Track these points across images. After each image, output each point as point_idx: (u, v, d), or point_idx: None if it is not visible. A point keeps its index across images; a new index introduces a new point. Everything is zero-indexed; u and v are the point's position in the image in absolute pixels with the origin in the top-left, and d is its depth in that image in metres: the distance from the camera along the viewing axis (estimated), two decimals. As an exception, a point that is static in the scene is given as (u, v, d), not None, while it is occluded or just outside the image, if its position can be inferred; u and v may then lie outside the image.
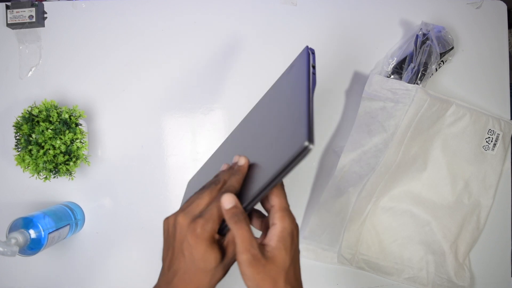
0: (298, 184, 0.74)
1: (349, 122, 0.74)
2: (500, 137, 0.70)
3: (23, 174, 0.67)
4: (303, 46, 0.38)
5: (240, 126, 0.51)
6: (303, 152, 0.33)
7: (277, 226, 0.38)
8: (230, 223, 0.37)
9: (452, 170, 0.71)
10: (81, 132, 0.66)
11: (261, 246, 0.38)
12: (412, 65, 0.69)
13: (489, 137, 0.70)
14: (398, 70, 0.71)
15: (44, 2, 0.76)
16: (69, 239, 0.73)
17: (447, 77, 0.74)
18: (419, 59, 0.68)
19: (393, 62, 0.72)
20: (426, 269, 0.70)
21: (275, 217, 0.39)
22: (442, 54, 0.70)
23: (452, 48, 0.71)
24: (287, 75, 0.46)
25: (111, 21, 0.76)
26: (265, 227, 0.41)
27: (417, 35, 0.69)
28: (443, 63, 0.72)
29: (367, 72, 0.74)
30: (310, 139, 0.33)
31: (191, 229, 0.37)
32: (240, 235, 0.36)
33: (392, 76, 0.71)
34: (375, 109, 0.69)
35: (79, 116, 0.67)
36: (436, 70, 0.72)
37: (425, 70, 0.68)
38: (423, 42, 0.68)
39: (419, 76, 0.68)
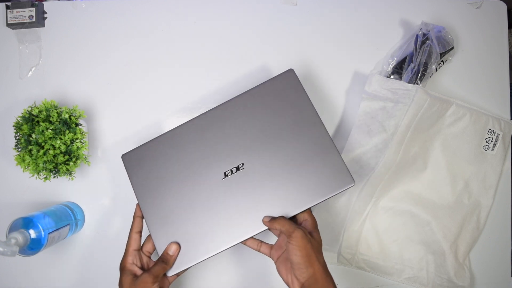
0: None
1: (348, 122, 0.74)
2: (500, 137, 0.70)
3: (23, 174, 0.67)
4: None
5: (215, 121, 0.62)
6: (349, 188, 0.58)
7: (309, 219, 0.58)
8: (269, 225, 0.56)
9: (452, 170, 0.71)
10: (81, 132, 0.66)
11: None
12: (412, 65, 0.69)
13: (489, 137, 0.70)
14: (398, 70, 0.71)
15: (44, 2, 0.76)
16: (69, 239, 0.73)
17: (447, 77, 0.74)
18: (419, 59, 0.68)
19: (393, 62, 0.72)
20: (426, 269, 0.70)
21: (305, 214, 0.58)
22: (442, 54, 0.70)
23: (452, 48, 0.71)
24: (279, 97, 0.61)
25: (111, 21, 0.76)
26: (263, 247, 0.62)
27: (417, 35, 0.69)
28: (443, 63, 0.73)
29: (367, 72, 0.74)
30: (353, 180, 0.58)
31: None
32: (285, 223, 0.54)
33: (392, 76, 0.71)
34: (375, 109, 0.69)
35: (79, 116, 0.67)
36: (436, 70, 0.72)
37: (425, 70, 0.68)
38: (423, 42, 0.68)
39: (419, 76, 0.68)
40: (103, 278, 0.73)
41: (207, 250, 0.58)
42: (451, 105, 0.69)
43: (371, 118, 0.69)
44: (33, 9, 0.73)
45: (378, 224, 0.71)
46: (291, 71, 0.62)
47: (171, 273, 0.58)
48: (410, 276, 0.70)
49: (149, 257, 0.60)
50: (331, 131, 0.74)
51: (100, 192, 0.74)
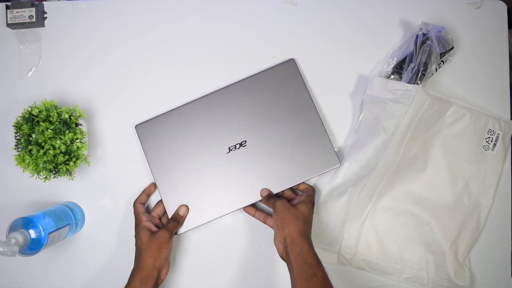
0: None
1: (347, 121, 0.74)
2: (500, 137, 0.70)
3: (23, 174, 0.67)
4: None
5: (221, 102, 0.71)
6: (335, 168, 0.69)
7: (305, 193, 0.67)
8: (266, 202, 0.67)
9: (452, 170, 0.71)
10: (81, 132, 0.66)
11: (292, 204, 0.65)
12: (412, 65, 0.69)
13: (489, 137, 0.70)
14: (398, 70, 0.71)
15: (44, 2, 0.76)
16: (69, 239, 0.73)
17: (447, 77, 0.74)
18: (419, 59, 0.68)
19: (393, 62, 0.72)
20: (426, 269, 0.70)
21: (301, 186, 0.70)
22: (442, 54, 0.70)
23: (452, 48, 0.71)
24: (280, 84, 0.70)
25: (111, 21, 0.76)
26: (268, 220, 0.70)
27: (417, 35, 0.69)
28: (443, 63, 0.73)
29: (367, 72, 0.74)
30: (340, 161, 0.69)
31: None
32: (272, 199, 0.65)
33: (392, 76, 0.71)
34: (376, 110, 0.69)
35: (79, 116, 0.67)
36: (436, 70, 0.72)
37: (425, 70, 0.68)
38: (423, 42, 0.68)
39: (419, 76, 0.68)
40: (103, 278, 0.73)
41: (211, 214, 0.68)
42: (451, 105, 0.69)
43: (373, 119, 0.69)
44: (33, 9, 0.73)
45: (378, 224, 0.71)
46: (292, 60, 0.71)
47: (181, 231, 0.68)
48: (410, 276, 0.70)
49: (159, 219, 0.70)
50: (329, 131, 0.74)
51: (100, 192, 0.74)
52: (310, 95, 0.70)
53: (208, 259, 0.73)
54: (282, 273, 0.73)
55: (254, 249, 0.73)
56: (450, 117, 0.70)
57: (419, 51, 0.68)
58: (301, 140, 0.68)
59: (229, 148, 0.69)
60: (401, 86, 0.67)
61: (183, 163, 0.69)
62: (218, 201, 0.69)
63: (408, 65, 0.69)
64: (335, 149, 0.69)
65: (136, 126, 0.70)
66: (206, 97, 0.70)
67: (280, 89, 0.69)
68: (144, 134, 0.70)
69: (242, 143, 0.68)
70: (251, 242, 0.73)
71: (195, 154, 0.69)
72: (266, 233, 0.71)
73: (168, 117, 0.70)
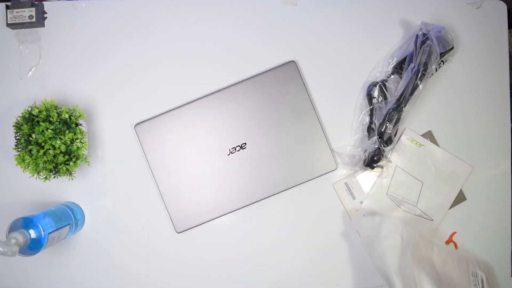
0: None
1: (347, 121, 0.74)
2: (484, 279, 0.69)
3: (23, 174, 0.67)
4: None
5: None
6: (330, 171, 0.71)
7: None
8: None
9: None
10: (81, 132, 0.66)
11: None
12: (412, 65, 0.69)
13: (474, 280, 0.69)
14: (398, 70, 0.71)
15: (44, 2, 0.76)
16: (69, 239, 0.73)
17: (447, 77, 0.74)
18: (419, 59, 0.68)
19: (393, 62, 0.72)
20: None
21: None
22: (442, 54, 0.70)
23: (452, 48, 0.71)
24: (282, 87, 0.70)
25: (111, 21, 0.76)
26: None
27: (417, 35, 0.69)
28: (443, 63, 0.73)
29: (367, 71, 0.74)
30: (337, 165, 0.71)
31: None
32: None
33: (392, 76, 0.71)
34: (369, 250, 0.68)
35: (79, 116, 0.67)
36: (436, 70, 0.72)
37: (425, 70, 0.68)
38: (423, 42, 0.68)
39: (419, 76, 0.68)
40: (103, 278, 0.73)
41: (210, 214, 0.70)
42: (433, 250, 0.68)
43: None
44: (33, 9, 0.73)
45: None
46: (292, 63, 0.71)
47: (179, 229, 0.70)
48: None
49: None
50: (328, 132, 0.74)
51: (100, 192, 0.74)
52: (310, 98, 0.71)
53: (207, 258, 0.73)
54: (282, 273, 0.73)
55: (252, 248, 0.73)
56: (437, 258, 0.69)
57: (419, 51, 0.68)
58: (299, 143, 0.70)
59: (229, 150, 0.70)
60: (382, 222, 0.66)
61: (183, 163, 0.70)
62: (217, 202, 0.70)
63: (408, 65, 0.69)
64: (333, 151, 0.71)
65: (135, 126, 0.71)
66: (206, 97, 0.71)
67: (280, 92, 0.70)
68: (143, 133, 0.71)
69: (242, 145, 0.70)
70: (250, 241, 0.73)
71: (195, 154, 0.70)
72: (266, 232, 0.71)
73: (168, 117, 0.71)
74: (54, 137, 0.63)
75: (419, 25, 0.71)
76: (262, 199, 0.71)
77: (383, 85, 0.71)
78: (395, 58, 0.72)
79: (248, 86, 0.71)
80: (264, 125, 0.70)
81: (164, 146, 0.70)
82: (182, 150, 0.70)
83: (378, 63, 0.74)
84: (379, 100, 0.70)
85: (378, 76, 0.73)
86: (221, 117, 0.70)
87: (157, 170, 0.70)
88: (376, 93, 0.71)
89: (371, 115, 0.72)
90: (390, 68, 0.72)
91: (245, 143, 0.70)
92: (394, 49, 0.73)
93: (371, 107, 0.71)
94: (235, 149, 0.70)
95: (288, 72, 0.71)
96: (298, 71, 0.71)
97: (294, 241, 0.73)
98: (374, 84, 0.71)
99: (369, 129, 0.71)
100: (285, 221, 0.74)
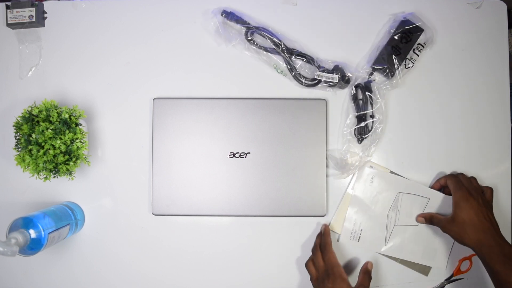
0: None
1: (344, 120, 0.74)
2: None
3: (23, 174, 0.67)
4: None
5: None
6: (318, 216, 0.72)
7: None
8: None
9: None
10: (81, 132, 0.66)
11: None
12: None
13: None
14: (377, 68, 0.72)
15: (44, 2, 0.76)
16: (69, 239, 0.73)
17: (447, 77, 0.74)
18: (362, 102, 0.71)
19: (371, 61, 0.73)
20: None
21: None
22: (412, 35, 0.71)
23: (423, 30, 0.71)
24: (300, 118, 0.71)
25: (111, 21, 0.76)
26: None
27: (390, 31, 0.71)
28: (423, 47, 0.72)
29: (367, 71, 0.74)
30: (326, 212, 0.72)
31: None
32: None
33: (373, 74, 0.73)
34: None
35: (79, 116, 0.67)
36: (418, 55, 0.72)
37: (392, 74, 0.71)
38: (393, 39, 0.71)
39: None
40: (103, 278, 0.73)
41: (199, 209, 0.71)
42: None
43: None
44: (33, 9, 0.73)
45: None
46: (323, 101, 0.72)
47: (168, 212, 0.71)
48: None
49: None
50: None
51: (100, 192, 0.74)
52: (326, 139, 0.71)
53: (201, 260, 0.73)
54: (282, 272, 0.73)
55: (249, 249, 0.73)
56: None
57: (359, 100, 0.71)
58: (299, 177, 0.71)
59: (232, 153, 0.70)
60: None
61: (184, 153, 0.71)
62: (202, 201, 0.71)
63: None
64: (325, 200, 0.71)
65: (154, 100, 0.72)
66: (228, 99, 0.72)
67: (301, 122, 0.71)
68: (159, 108, 0.71)
69: (246, 153, 0.70)
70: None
71: (199, 145, 0.71)
72: (264, 233, 0.71)
73: (187, 102, 0.72)
74: (54, 137, 0.63)
75: (388, 20, 0.73)
76: (244, 216, 0.72)
77: (364, 87, 0.71)
78: (373, 59, 0.73)
79: (271, 104, 0.71)
80: (273, 144, 0.71)
81: (172, 129, 0.71)
82: (187, 139, 0.71)
83: (357, 64, 0.74)
84: (364, 101, 0.71)
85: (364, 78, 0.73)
86: (234, 122, 0.71)
87: (157, 150, 0.71)
88: (360, 95, 0.72)
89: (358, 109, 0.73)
90: (369, 68, 0.73)
91: (249, 153, 0.70)
92: (372, 49, 0.74)
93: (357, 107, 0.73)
94: (238, 154, 0.70)
95: (316, 107, 0.71)
96: (326, 111, 0.72)
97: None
98: (356, 86, 0.72)
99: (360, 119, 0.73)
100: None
